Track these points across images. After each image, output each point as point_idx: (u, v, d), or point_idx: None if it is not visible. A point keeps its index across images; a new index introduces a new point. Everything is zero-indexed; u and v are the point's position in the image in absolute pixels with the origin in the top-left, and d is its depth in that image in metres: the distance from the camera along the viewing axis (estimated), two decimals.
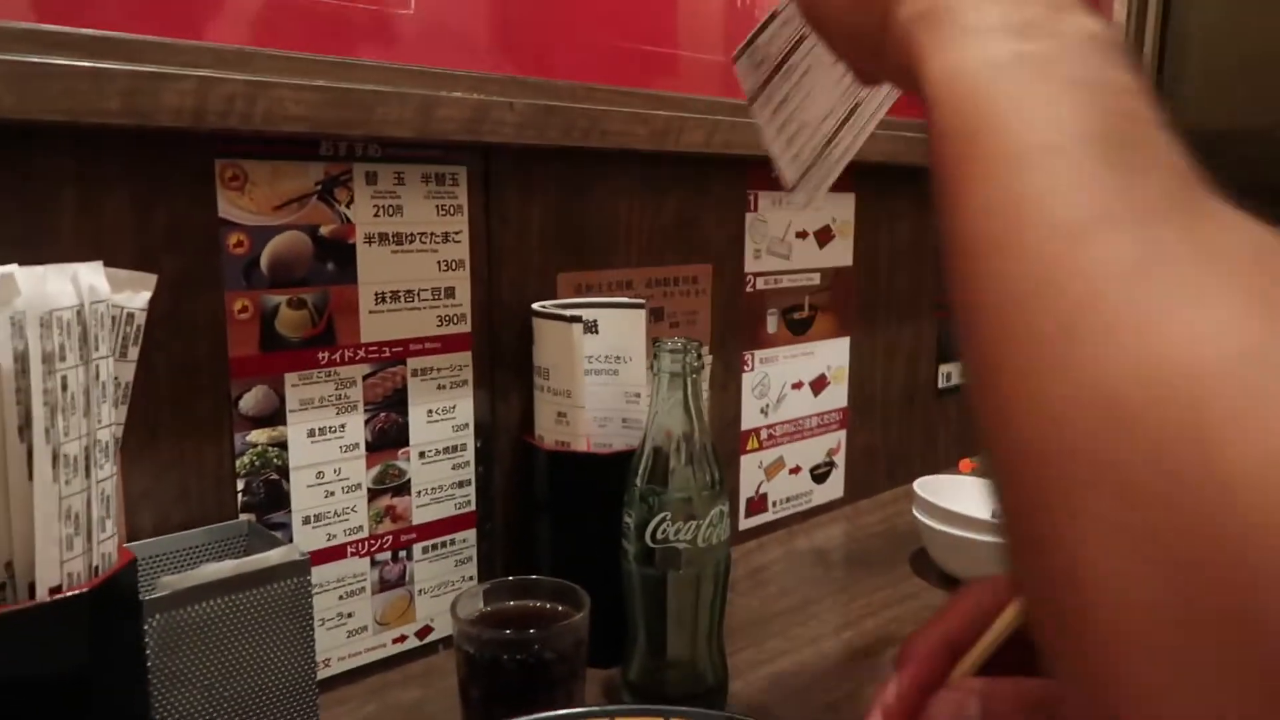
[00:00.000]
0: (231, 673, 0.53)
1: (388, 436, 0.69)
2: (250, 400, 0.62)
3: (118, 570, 0.47)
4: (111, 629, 0.46)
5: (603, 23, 0.77)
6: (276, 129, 0.55)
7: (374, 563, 0.69)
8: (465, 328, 0.72)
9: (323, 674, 0.65)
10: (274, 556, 0.54)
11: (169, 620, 0.50)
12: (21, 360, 0.42)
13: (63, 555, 0.44)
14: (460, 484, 0.73)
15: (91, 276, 0.45)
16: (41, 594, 0.43)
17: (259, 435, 0.62)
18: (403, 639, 0.71)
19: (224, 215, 0.59)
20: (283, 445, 0.63)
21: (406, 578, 0.71)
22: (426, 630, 0.73)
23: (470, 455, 0.73)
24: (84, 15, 0.50)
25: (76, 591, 0.44)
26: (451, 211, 0.70)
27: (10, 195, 0.51)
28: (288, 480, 0.64)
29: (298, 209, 0.62)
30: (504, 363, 0.74)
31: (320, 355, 0.64)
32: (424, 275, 0.69)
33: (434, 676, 0.69)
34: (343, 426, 0.66)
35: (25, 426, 0.42)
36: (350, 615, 0.68)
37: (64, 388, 0.43)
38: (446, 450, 0.72)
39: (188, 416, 0.59)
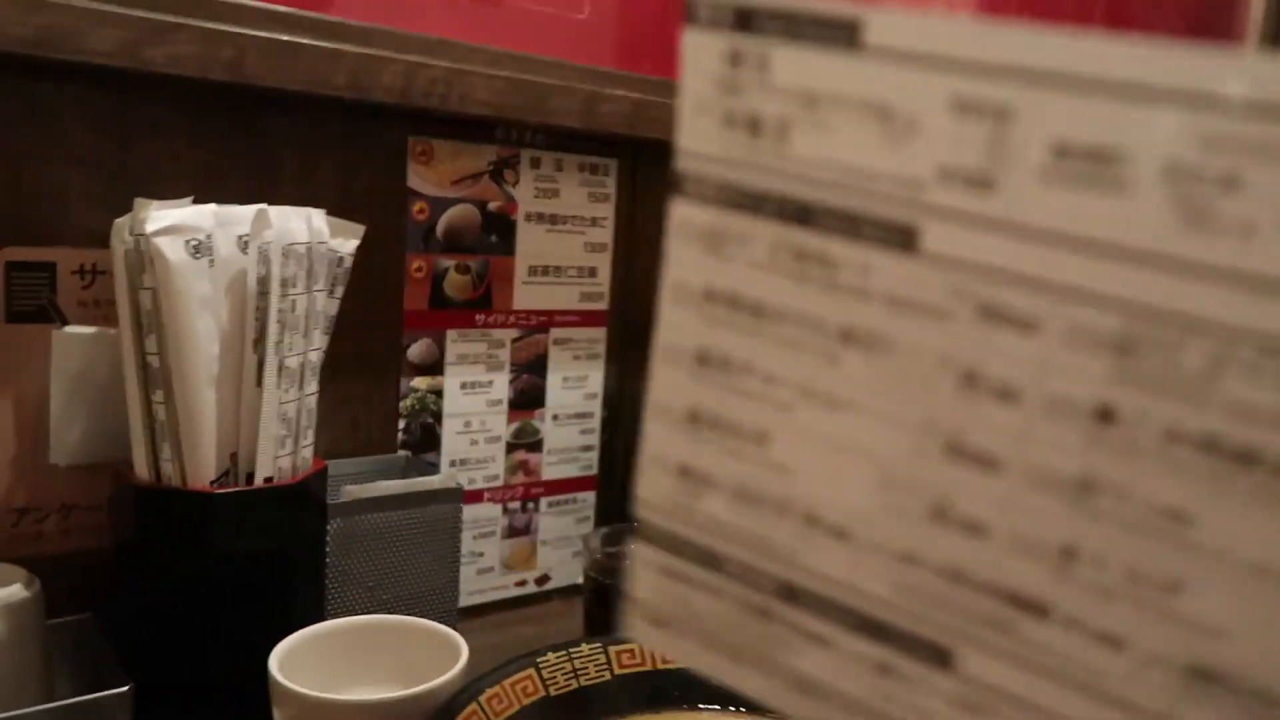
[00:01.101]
0: (390, 577, 0.60)
1: (527, 397, 0.76)
2: (416, 350, 0.70)
3: (313, 472, 0.55)
4: (304, 521, 0.54)
5: None
6: (466, 111, 0.63)
7: (505, 510, 0.76)
8: (603, 305, 0.79)
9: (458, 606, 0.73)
10: (435, 481, 0.61)
11: (346, 524, 0.58)
12: (263, 283, 0.50)
13: (276, 452, 0.52)
14: (585, 448, 0.80)
15: (319, 220, 0.53)
16: (258, 481, 0.51)
17: (421, 382, 0.70)
18: (523, 583, 0.78)
19: (411, 185, 0.67)
20: (439, 393, 0.71)
21: (532, 528, 0.78)
22: (545, 579, 0.79)
23: (597, 423, 0.80)
24: (318, 2, 0.60)
25: (285, 484, 0.52)
26: (601, 199, 0.77)
27: (244, 151, 0.61)
28: (440, 425, 0.72)
29: (472, 185, 0.70)
30: (634, 341, 0.81)
31: (478, 317, 0.72)
32: (572, 254, 0.76)
33: (550, 619, 0.76)
34: (490, 383, 0.74)
35: (260, 340, 0.51)
36: (481, 555, 0.75)
37: (292, 310, 0.51)
38: (577, 415, 0.79)
39: (366, 357, 0.67)
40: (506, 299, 0.73)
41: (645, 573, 0.25)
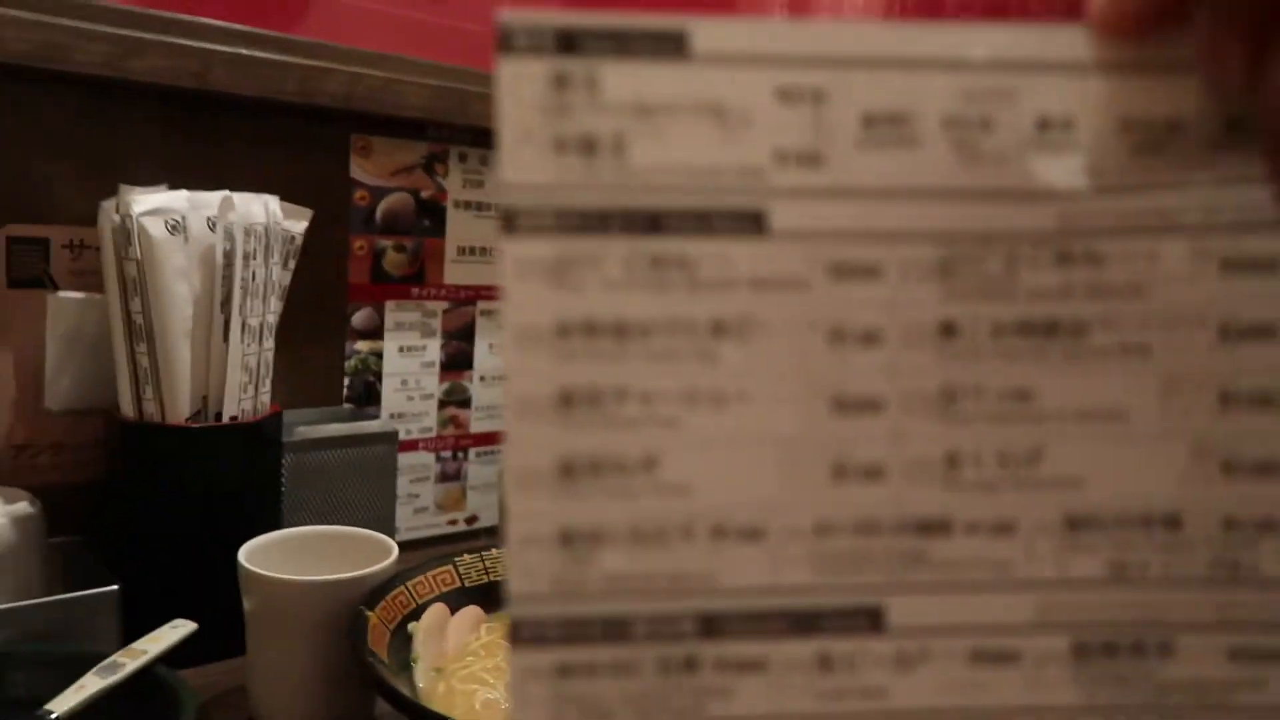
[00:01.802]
0: (337, 508, 0.71)
1: (457, 360, 0.88)
2: (359, 318, 0.81)
3: (270, 414, 0.66)
4: (263, 454, 0.65)
5: None
6: (401, 114, 0.75)
7: (438, 458, 0.88)
8: None
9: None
10: (374, 426, 0.73)
11: (299, 460, 0.69)
12: (228, 256, 0.61)
13: (239, 396, 0.63)
14: None
15: (274, 205, 0.64)
16: (225, 419, 0.62)
17: (363, 345, 0.82)
18: (454, 522, 0.90)
19: (354, 175, 0.79)
20: (379, 355, 0.83)
21: (461, 474, 0.90)
22: (473, 519, 0.91)
23: None
24: (282, 21, 0.70)
25: (247, 422, 0.63)
26: None
27: (208, 146, 0.71)
28: (380, 383, 0.83)
29: (406, 176, 0.82)
30: None
31: (413, 290, 0.84)
32: (495, 237, 0.88)
33: None
34: (424, 347, 0.85)
35: (226, 302, 0.62)
36: (417, 496, 0.87)
37: (253, 279, 0.62)
38: (501, 378, 0.91)
39: (315, 323, 0.78)
40: (438, 275, 0.85)
41: (533, 687, 0.22)
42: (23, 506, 0.60)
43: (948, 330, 0.22)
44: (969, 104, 0.22)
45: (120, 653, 0.54)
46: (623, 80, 0.21)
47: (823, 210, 0.22)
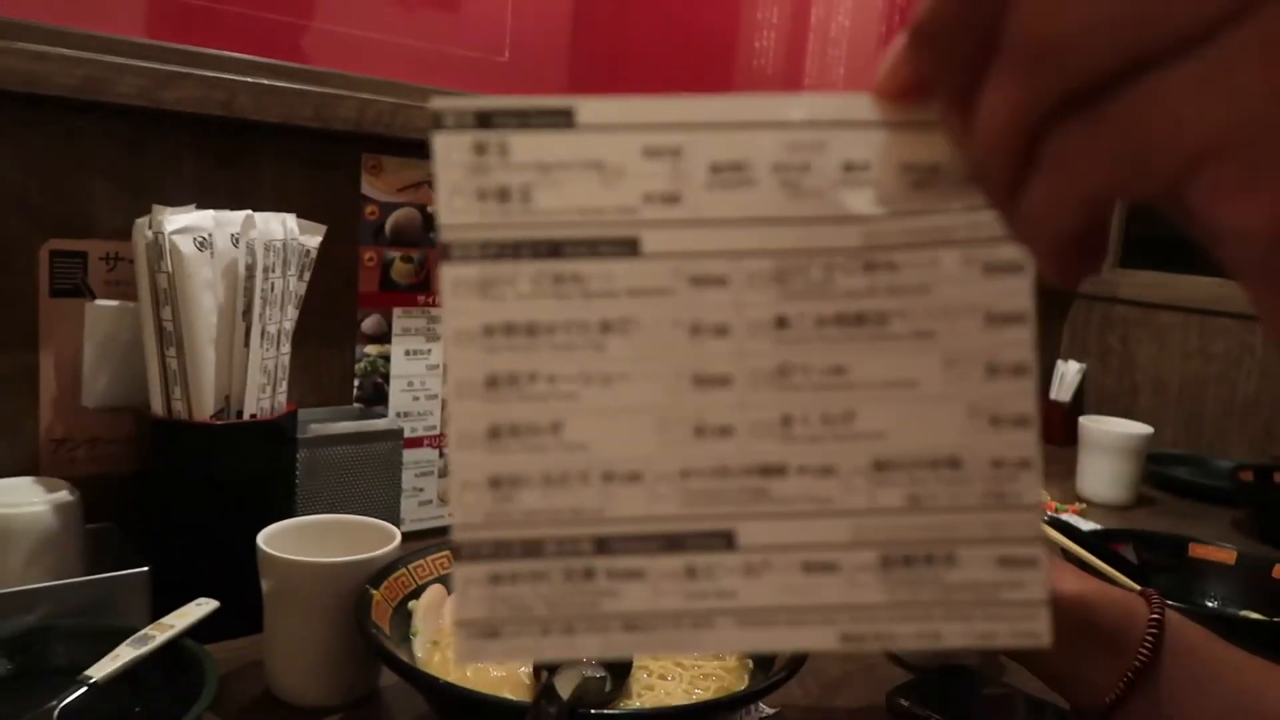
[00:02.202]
0: (346, 498, 0.78)
1: None
2: (369, 323, 0.87)
3: (286, 412, 0.72)
4: (279, 449, 0.72)
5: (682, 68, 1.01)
6: (408, 135, 0.81)
7: (441, 454, 0.94)
8: None
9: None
10: (381, 424, 0.79)
11: (312, 454, 0.76)
12: (250, 269, 0.67)
13: (258, 396, 0.69)
14: None
15: (291, 222, 0.71)
16: (245, 417, 0.69)
17: (372, 349, 0.88)
18: None
19: (364, 192, 0.85)
20: (387, 358, 0.89)
21: None
22: None
23: None
24: (299, 53, 0.77)
25: (265, 419, 0.70)
26: None
27: (232, 167, 0.78)
28: (388, 384, 0.89)
29: (414, 192, 0.88)
30: None
31: (419, 298, 0.90)
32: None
33: None
34: (429, 351, 0.91)
35: (247, 311, 0.68)
36: (421, 490, 0.93)
37: (272, 289, 0.69)
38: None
39: (327, 328, 0.84)
40: None
41: (472, 591, 0.28)
42: (63, 495, 0.66)
43: (781, 323, 0.28)
44: (792, 153, 0.28)
45: (150, 626, 0.60)
46: (526, 145, 0.27)
47: (681, 236, 0.28)
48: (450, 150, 0.27)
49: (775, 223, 0.28)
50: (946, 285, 0.28)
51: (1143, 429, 1.26)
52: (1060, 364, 1.62)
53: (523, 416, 0.28)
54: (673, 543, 0.29)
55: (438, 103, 0.27)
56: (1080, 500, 1.23)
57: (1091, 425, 1.27)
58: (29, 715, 0.53)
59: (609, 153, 0.27)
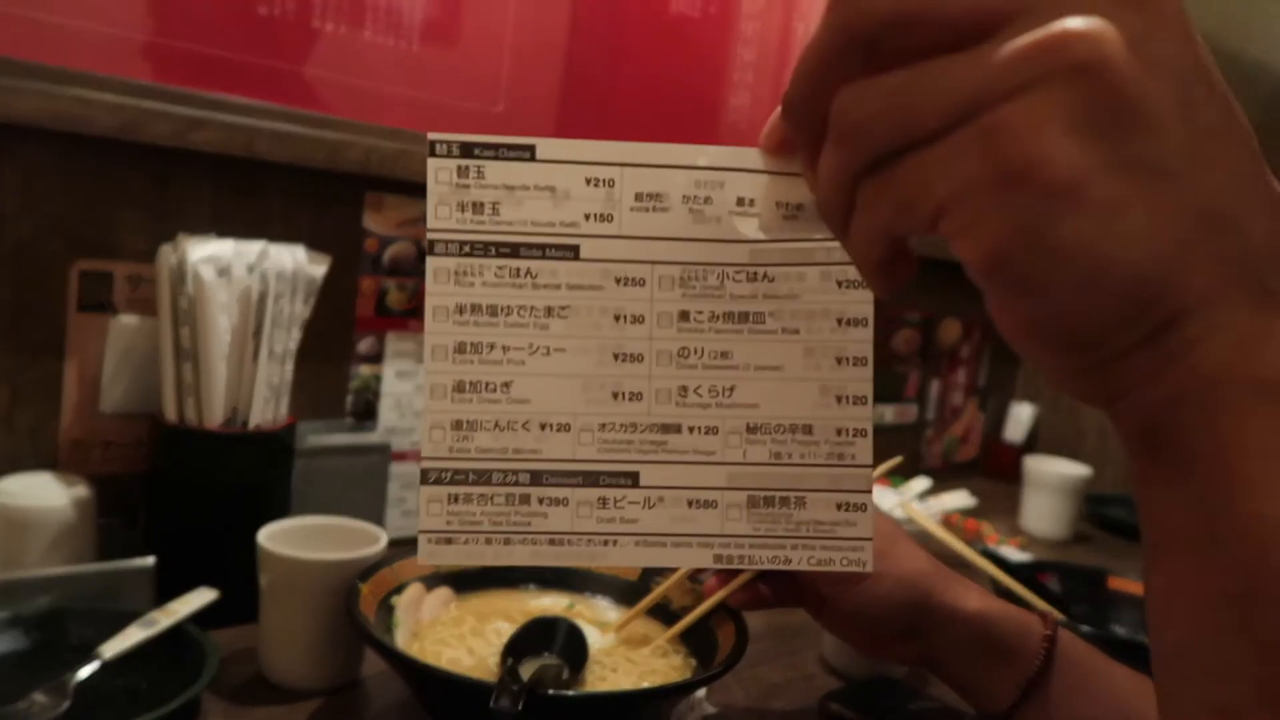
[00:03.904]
0: (337, 505, 0.85)
1: None
2: (364, 345, 0.95)
3: (287, 424, 0.80)
4: (280, 456, 0.79)
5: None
6: (409, 178, 0.89)
7: None
8: None
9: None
10: (372, 438, 0.87)
11: (308, 464, 0.83)
12: (262, 296, 0.75)
13: (263, 409, 0.77)
14: None
15: (299, 253, 0.79)
16: (250, 427, 0.76)
17: (366, 369, 0.95)
18: None
19: (366, 226, 0.93)
20: (379, 378, 0.96)
21: None
22: None
23: None
24: (314, 101, 0.85)
25: (268, 430, 0.77)
26: None
27: (248, 201, 0.85)
28: (379, 401, 0.97)
29: (410, 227, 0.96)
30: None
31: (411, 323, 0.98)
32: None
33: None
34: (418, 373, 0.99)
35: (257, 332, 0.75)
36: (404, 500, 1.00)
37: (280, 314, 0.76)
38: None
39: (326, 348, 0.92)
40: None
41: (433, 506, 0.36)
42: (80, 490, 0.73)
43: (684, 316, 0.36)
44: (698, 188, 0.37)
45: (156, 610, 0.67)
46: (497, 171, 0.36)
47: (611, 246, 0.36)
48: (440, 172, 0.36)
49: (683, 240, 0.36)
50: (809, 294, 0.37)
51: (1083, 470, 1.34)
52: (1014, 406, 1.71)
53: (482, 376, 0.35)
54: (590, 479, 0.36)
55: (432, 135, 0.37)
56: (1021, 535, 1.31)
57: (1035, 464, 1.35)
58: (46, 685, 0.60)
59: (559, 180, 0.36)
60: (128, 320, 0.78)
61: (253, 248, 0.75)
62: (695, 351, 0.37)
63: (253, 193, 0.86)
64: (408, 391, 0.99)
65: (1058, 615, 0.72)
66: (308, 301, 0.81)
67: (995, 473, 1.66)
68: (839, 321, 0.38)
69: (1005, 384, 1.77)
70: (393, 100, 0.92)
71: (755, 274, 0.37)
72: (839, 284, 0.38)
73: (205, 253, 0.72)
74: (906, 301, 1.51)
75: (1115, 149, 0.23)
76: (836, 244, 0.36)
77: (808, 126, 0.30)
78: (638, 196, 0.36)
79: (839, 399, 0.38)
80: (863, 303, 0.38)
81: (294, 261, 0.77)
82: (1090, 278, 0.24)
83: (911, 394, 1.57)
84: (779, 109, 0.32)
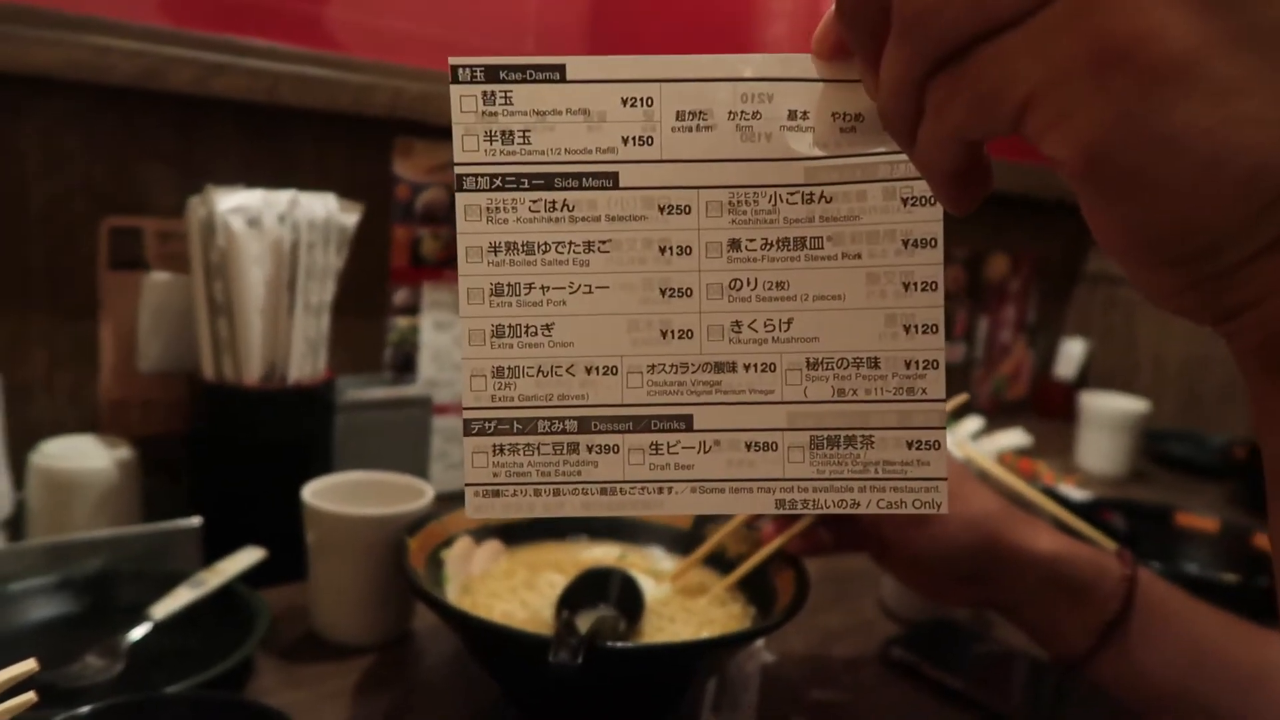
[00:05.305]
0: (380, 460, 0.83)
1: None
2: (400, 296, 0.93)
3: (326, 379, 0.78)
4: (319, 412, 0.77)
5: None
6: (436, 121, 0.86)
7: None
8: None
9: None
10: (412, 390, 0.85)
11: (349, 419, 0.81)
12: (294, 246, 0.73)
13: (301, 363, 0.75)
14: None
15: (331, 202, 0.76)
16: (289, 383, 0.74)
17: (403, 321, 0.93)
18: None
19: (396, 172, 0.90)
20: (416, 330, 0.94)
21: None
22: None
23: None
24: (338, 43, 0.82)
25: (307, 385, 0.75)
26: None
27: (276, 150, 0.83)
28: (418, 354, 0.95)
29: (441, 172, 0.93)
30: None
31: (446, 273, 0.95)
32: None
33: None
34: (456, 323, 0.97)
35: (291, 284, 0.73)
36: (447, 454, 0.99)
37: (314, 264, 0.74)
38: None
39: (362, 300, 0.90)
40: None
41: (478, 458, 0.33)
42: (123, 452, 0.72)
43: (734, 245, 0.33)
44: (745, 103, 0.33)
45: (204, 571, 0.66)
46: (526, 96, 0.33)
47: (653, 172, 0.33)
48: (464, 100, 0.34)
49: (731, 161, 0.33)
50: (871, 215, 0.34)
51: (1140, 405, 1.30)
52: (1065, 342, 1.66)
53: (521, 319, 0.33)
54: (641, 423, 0.34)
55: (454, 60, 0.34)
56: (1078, 473, 1.28)
57: (1091, 400, 1.31)
58: (99, 648, 0.59)
59: (593, 102, 0.33)
60: (160, 277, 0.77)
61: (282, 197, 0.72)
62: (748, 283, 0.34)
63: (279, 141, 0.83)
64: (446, 343, 0.96)
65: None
66: (340, 252, 0.79)
67: (1046, 411, 1.62)
68: (905, 243, 0.34)
69: (1055, 320, 1.72)
70: (418, 41, 0.88)
71: (811, 195, 0.34)
72: (904, 201, 0.34)
73: (234, 203, 0.70)
74: (951, 236, 1.46)
75: (1231, 18, 0.20)
76: (902, 157, 0.32)
77: (866, 23, 0.26)
78: (679, 115, 0.33)
79: (907, 329, 0.34)
80: (931, 221, 0.34)
81: (325, 210, 0.74)
82: (1207, 171, 0.21)
83: (959, 333, 1.53)
84: (832, 8, 0.29)
